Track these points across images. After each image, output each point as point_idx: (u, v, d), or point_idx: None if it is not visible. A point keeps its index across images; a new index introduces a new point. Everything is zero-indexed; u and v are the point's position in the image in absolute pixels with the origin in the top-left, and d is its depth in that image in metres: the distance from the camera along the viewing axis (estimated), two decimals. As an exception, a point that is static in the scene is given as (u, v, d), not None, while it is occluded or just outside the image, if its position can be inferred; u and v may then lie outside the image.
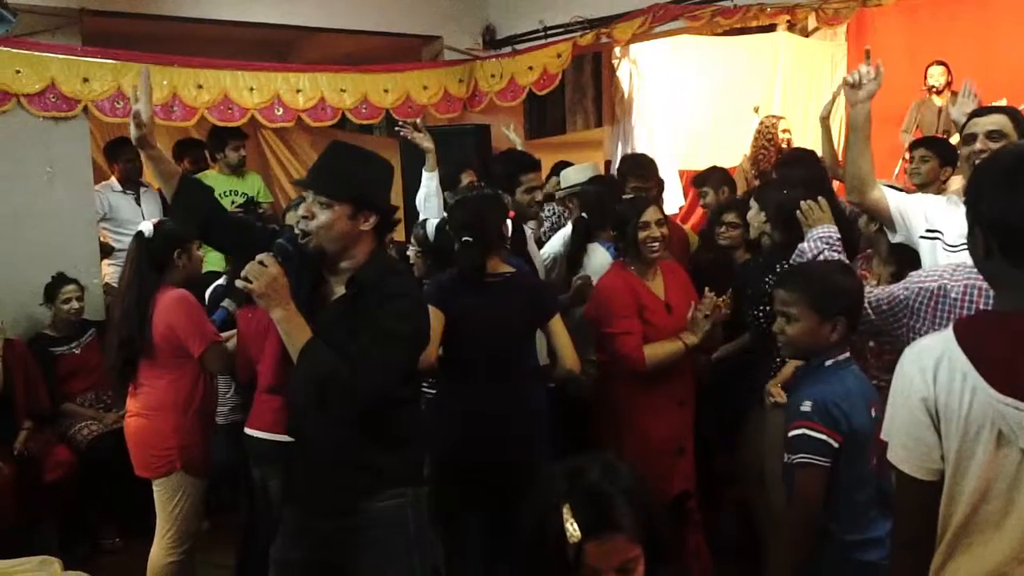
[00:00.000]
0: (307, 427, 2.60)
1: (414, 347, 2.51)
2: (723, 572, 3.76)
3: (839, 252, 2.70)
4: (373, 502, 2.51)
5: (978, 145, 2.85)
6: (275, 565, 2.66)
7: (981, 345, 1.61)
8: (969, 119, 2.96)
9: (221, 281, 4.03)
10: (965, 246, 2.64)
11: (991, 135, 2.83)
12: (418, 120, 4.59)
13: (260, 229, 2.87)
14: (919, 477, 1.67)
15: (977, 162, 2.82)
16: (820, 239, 2.76)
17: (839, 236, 2.77)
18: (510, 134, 5.20)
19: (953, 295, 2.15)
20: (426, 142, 4.49)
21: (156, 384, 3.44)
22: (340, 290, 2.49)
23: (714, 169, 5.28)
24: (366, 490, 2.52)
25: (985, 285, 2.04)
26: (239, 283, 2.35)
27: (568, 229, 4.31)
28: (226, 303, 2.45)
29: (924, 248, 2.91)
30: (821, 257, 2.70)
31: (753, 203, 3.75)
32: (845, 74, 2.96)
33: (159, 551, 3.48)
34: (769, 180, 4.32)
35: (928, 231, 2.89)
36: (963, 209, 2.74)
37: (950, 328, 1.66)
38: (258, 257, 2.36)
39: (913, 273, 2.30)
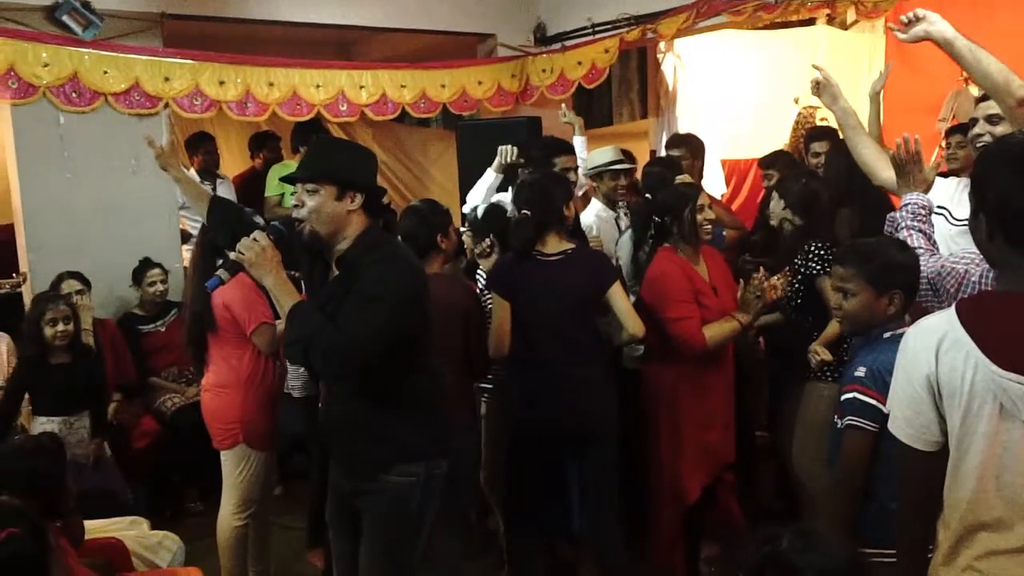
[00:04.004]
0: (329, 399, 2.69)
1: (398, 309, 2.42)
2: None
3: (920, 222, 2.48)
4: (387, 474, 2.54)
5: (977, 129, 2.81)
6: (328, 523, 2.84)
7: (983, 324, 1.60)
8: (977, 103, 2.91)
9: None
10: (966, 222, 2.62)
11: (990, 119, 2.78)
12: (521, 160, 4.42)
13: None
14: (919, 448, 1.69)
15: (978, 145, 2.78)
16: (907, 210, 2.53)
17: (928, 208, 2.53)
18: (566, 117, 5.18)
19: (974, 279, 2.12)
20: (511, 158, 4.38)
21: (221, 362, 3.50)
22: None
23: (781, 153, 5.23)
24: (383, 461, 2.55)
25: None
26: (233, 255, 2.47)
27: (596, 205, 4.29)
28: (220, 272, 2.55)
29: (936, 222, 2.87)
30: (903, 229, 2.50)
31: (774, 195, 3.78)
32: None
33: (225, 515, 3.55)
34: (790, 172, 4.33)
35: (939, 207, 2.85)
36: (968, 192, 2.70)
37: (952, 308, 1.66)
38: (252, 234, 2.48)
39: (951, 254, 2.27)
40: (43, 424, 4.03)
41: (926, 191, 2.58)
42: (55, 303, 4.13)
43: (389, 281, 2.43)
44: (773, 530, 1.38)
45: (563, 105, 5.36)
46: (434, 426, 2.63)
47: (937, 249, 2.43)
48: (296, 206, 2.50)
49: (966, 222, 2.62)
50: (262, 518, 3.74)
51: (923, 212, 2.49)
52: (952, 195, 2.81)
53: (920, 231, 2.44)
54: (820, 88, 3.00)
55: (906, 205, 2.51)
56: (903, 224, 2.47)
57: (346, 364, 2.41)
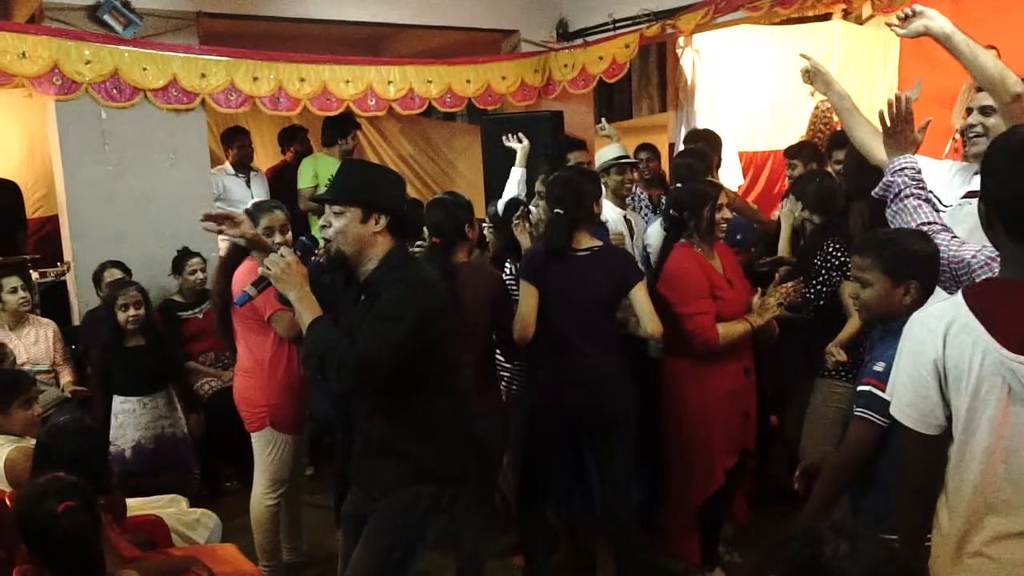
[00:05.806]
0: (347, 414, 2.68)
1: (414, 328, 2.40)
2: (776, 516, 3.72)
3: (923, 190, 2.37)
4: (399, 490, 2.54)
5: (971, 119, 2.76)
6: (341, 517, 2.85)
7: (991, 309, 1.59)
8: (975, 94, 2.86)
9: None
10: (952, 207, 2.61)
11: (984, 110, 2.72)
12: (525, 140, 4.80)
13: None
14: (924, 431, 1.67)
15: (970, 135, 2.73)
16: (905, 175, 2.40)
17: (919, 169, 2.41)
18: (605, 129, 5.19)
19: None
20: (515, 144, 4.71)
21: (245, 348, 3.52)
22: None
23: (805, 143, 5.18)
24: (395, 478, 2.54)
25: None
26: (260, 270, 2.50)
27: (606, 204, 4.31)
28: (248, 288, 2.58)
29: None
30: (909, 198, 2.36)
31: (790, 197, 3.78)
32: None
33: (258, 494, 3.59)
34: (803, 174, 4.30)
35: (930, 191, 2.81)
36: (960, 177, 2.66)
37: (959, 294, 1.64)
38: (279, 250, 2.50)
39: (984, 246, 2.20)
40: (122, 404, 4.17)
41: (915, 152, 2.49)
42: (126, 289, 4.26)
43: (407, 301, 2.42)
44: (813, 527, 1.23)
45: (603, 119, 5.38)
46: (451, 449, 2.60)
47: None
48: (324, 227, 2.52)
49: (951, 207, 2.59)
50: (293, 497, 3.78)
51: (920, 176, 2.38)
52: (940, 180, 2.73)
53: (926, 200, 2.33)
54: (812, 76, 2.95)
55: (902, 169, 2.38)
56: (907, 192, 2.34)
57: (358, 379, 2.41)
